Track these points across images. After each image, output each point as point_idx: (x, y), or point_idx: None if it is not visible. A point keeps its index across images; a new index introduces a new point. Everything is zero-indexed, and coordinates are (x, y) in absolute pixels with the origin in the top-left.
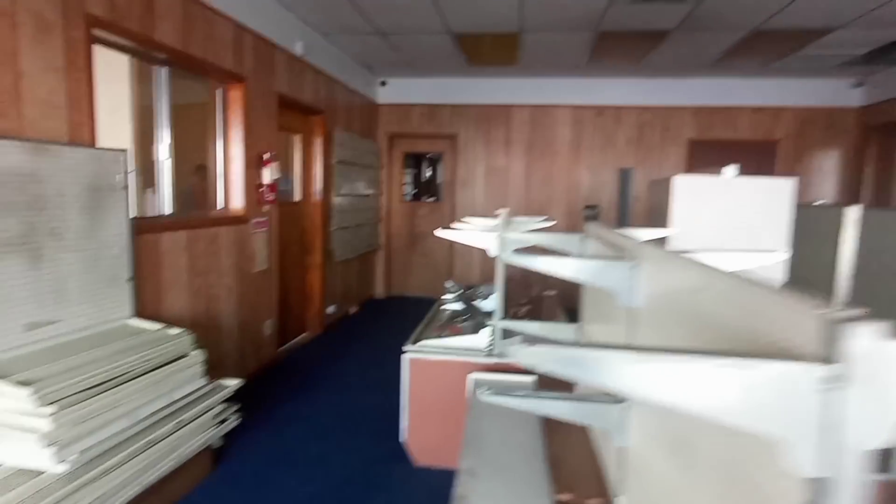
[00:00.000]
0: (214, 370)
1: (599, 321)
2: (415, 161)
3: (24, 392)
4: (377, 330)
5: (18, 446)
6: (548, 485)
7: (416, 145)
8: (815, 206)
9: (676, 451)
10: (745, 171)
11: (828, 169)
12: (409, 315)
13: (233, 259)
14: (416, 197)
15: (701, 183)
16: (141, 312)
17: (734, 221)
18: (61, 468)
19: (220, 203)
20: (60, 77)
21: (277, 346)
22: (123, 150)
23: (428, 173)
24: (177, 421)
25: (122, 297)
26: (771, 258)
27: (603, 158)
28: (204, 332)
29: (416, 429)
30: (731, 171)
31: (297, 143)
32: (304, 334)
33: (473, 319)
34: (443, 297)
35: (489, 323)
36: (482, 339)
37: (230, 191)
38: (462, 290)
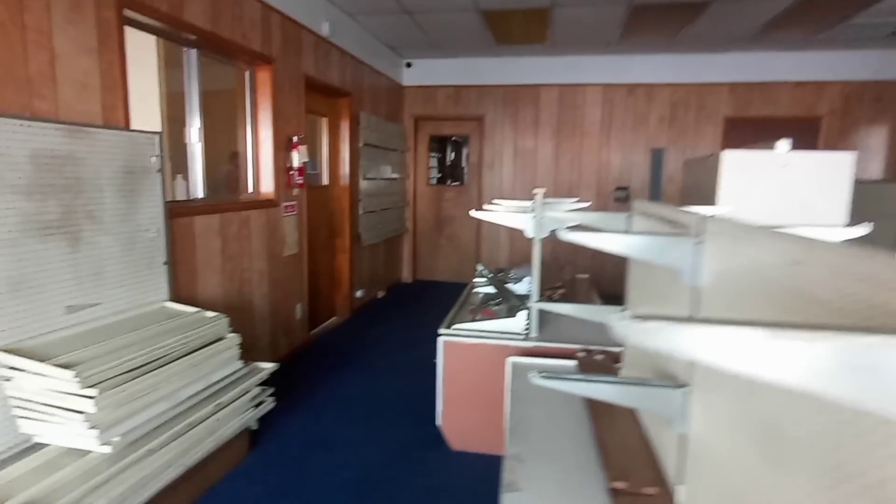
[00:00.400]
0: (247, 353)
1: (651, 301)
2: (439, 145)
3: (67, 374)
4: (405, 314)
5: (63, 427)
6: (599, 472)
7: (442, 128)
8: (876, 182)
9: (760, 439)
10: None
11: (875, 146)
12: (437, 300)
13: (263, 243)
14: (441, 181)
15: (752, 158)
16: (176, 296)
17: (788, 198)
18: (105, 449)
19: (250, 187)
20: (93, 58)
21: (308, 330)
22: (157, 133)
23: (452, 157)
24: (215, 403)
25: (159, 280)
26: (852, 232)
27: (634, 139)
28: (236, 315)
29: (451, 413)
30: (783, 145)
31: (323, 126)
32: (333, 318)
33: (507, 303)
34: (474, 280)
35: (525, 306)
36: (519, 322)
37: (260, 174)
38: (493, 274)
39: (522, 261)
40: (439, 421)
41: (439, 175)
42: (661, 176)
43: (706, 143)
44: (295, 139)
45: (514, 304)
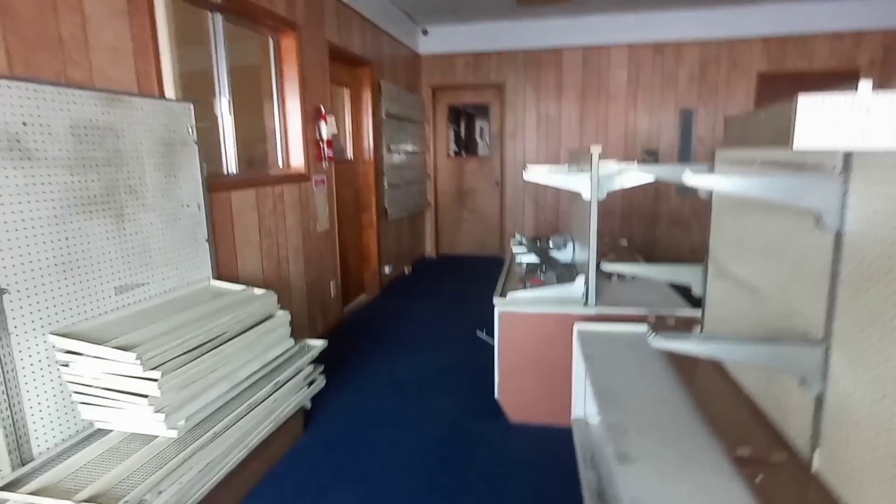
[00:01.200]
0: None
1: (751, 257)
2: (454, 117)
3: (129, 356)
4: (435, 290)
5: (127, 412)
6: (711, 438)
7: (461, 97)
8: None
9: None
10: None
11: None
12: (464, 274)
13: (297, 218)
14: (461, 153)
15: (831, 104)
16: (218, 274)
17: (871, 145)
18: (172, 433)
19: (279, 161)
20: (124, 22)
21: (342, 308)
22: (193, 101)
23: (471, 127)
24: (273, 383)
25: (202, 257)
26: None
27: (662, 100)
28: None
29: (509, 385)
30: (865, 86)
31: (345, 97)
32: (362, 295)
33: (552, 270)
34: (513, 249)
35: (579, 272)
36: (577, 288)
37: (289, 148)
38: (536, 242)
39: (549, 231)
40: (497, 394)
41: (456, 148)
42: (691, 137)
43: (738, 101)
44: (322, 109)
45: (560, 272)
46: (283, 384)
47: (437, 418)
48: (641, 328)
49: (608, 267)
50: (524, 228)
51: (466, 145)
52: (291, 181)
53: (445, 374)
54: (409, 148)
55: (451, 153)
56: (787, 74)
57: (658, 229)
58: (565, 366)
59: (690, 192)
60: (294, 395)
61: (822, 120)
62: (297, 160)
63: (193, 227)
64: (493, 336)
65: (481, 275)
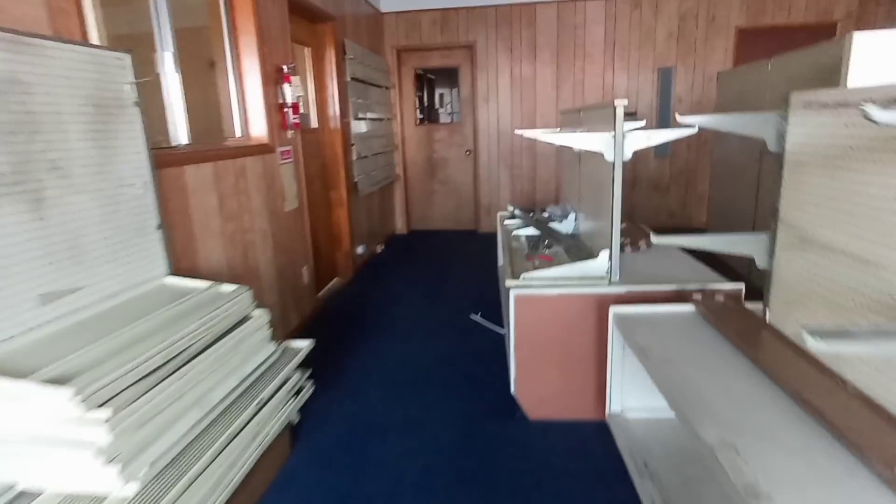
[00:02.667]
0: None
1: (864, 221)
2: (420, 82)
3: (64, 393)
4: (412, 269)
5: (67, 466)
6: (846, 454)
7: (428, 59)
8: None
9: None
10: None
11: None
12: (440, 250)
13: (262, 197)
14: (428, 119)
15: (886, 40)
16: (175, 268)
17: None
18: (130, 489)
19: (237, 130)
20: None
21: (315, 293)
22: (129, 52)
23: (440, 92)
24: (256, 402)
25: (153, 249)
26: None
27: (640, 58)
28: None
29: (527, 378)
30: None
31: (307, 58)
32: (335, 279)
33: (558, 244)
34: (506, 223)
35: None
36: (600, 264)
37: (248, 114)
38: (530, 214)
39: (526, 201)
40: (513, 388)
41: (421, 115)
42: (670, 97)
43: (717, 58)
44: (285, 69)
45: (568, 245)
46: (268, 400)
47: (445, 421)
48: (688, 308)
49: (660, 240)
50: (501, 200)
51: (430, 112)
52: (254, 153)
53: (445, 366)
54: (377, 115)
55: (418, 120)
56: (766, 29)
57: (636, 194)
58: (591, 352)
59: (669, 154)
60: (280, 410)
61: (875, 57)
62: (259, 129)
63: (140, 213)
64: (496, 322)
65: (458, 250)
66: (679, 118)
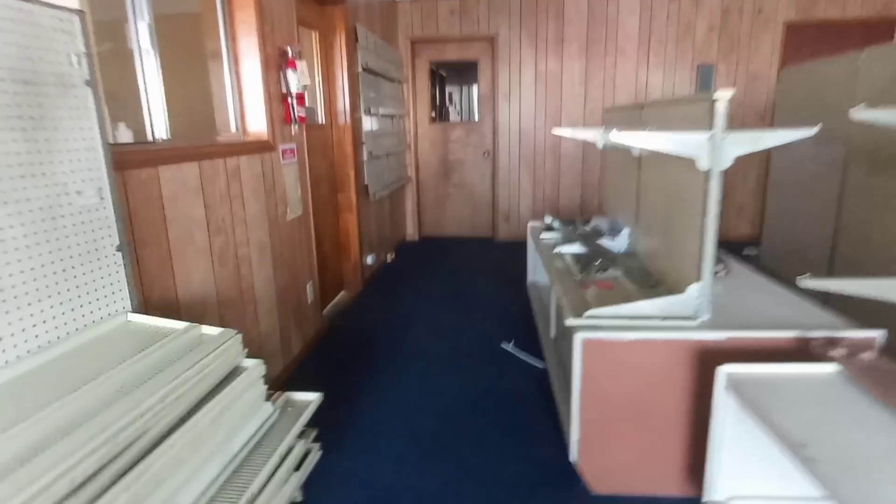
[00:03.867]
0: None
1: None
2: (442, 73)
3: None
4: (426, 281)
5: None
6: None
7: (445, 52)
8: None
9: None
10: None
11: None
12: (455, 260)
13: (261, 204)
14: (445, 117)
15: None
16: (143, 299)
17: None
18: None
19: (232, 124)
20: None
21: (321, 314)
22: (79, 11)
23: (457, 88)
24: (248, 495)
25: (111, 278)
26: None
27: (678, 54)
28: (235, 313)
29: (594, 443)
30: None
31: (314, 44)
32: (341, 293)
33: (613, 266)
34: (542, 237)
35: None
36: (689, 300)
37: (245, 105)
38: (568, 226)
39: (548, 209)
40: (574, 454)
41: (433, 114)
42: None
43: (762, 56)
44: (290, 53)
45: (628, 268)
46: (264, 486)
47: (485, 491)
48: (827, 369)
49: (809, 283)
50: (520, 205)
51: (444, 110)
52: (251, 151)
53: (477, 412)
54: (389, 111)
55: (432, 118)
56: (818, 24)
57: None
58: (679, 413)
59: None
60: (279, 491)
61: None
62: (258, 123)
63: (92, 229)
64: (531, 351)
65: (476, 260)
66: (857, 111)
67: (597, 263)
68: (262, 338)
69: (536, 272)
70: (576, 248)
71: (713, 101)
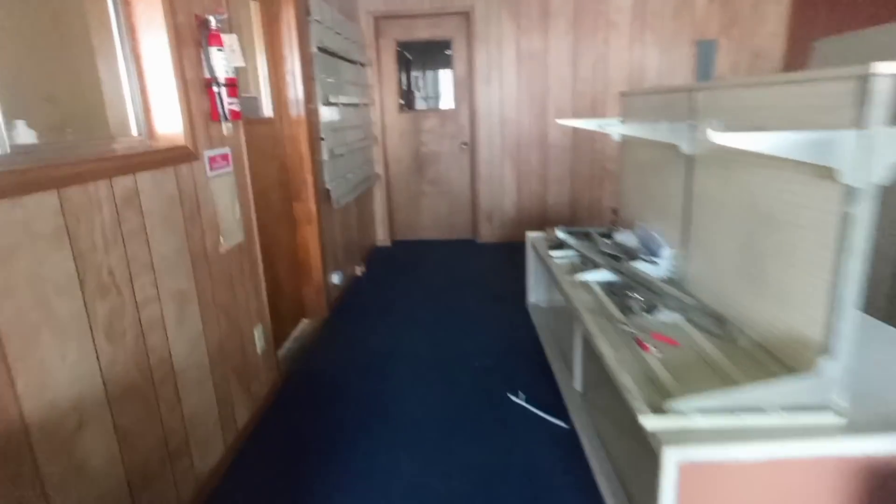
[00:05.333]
0: (163, 474)
1: None
2: (410, 54)
3: None
4: (404, 298)
5: None
6: None
7: (414, 29)
8: None
9: None
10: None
11: None
12: (434, 269)
13: (178, 237)
14: (411, 105)
15: None
16: None
17: None
18: None
19: (132, 125)
20: None
21: (276, 362)
22: None
23: (427, 71)
24: None
25: None
26: None
27: (676, 29)
28: (140, 402)
29: None
30: None
31: (253, 15)
32: (303, 323)
33: (663, 303)
34: (553, 256)
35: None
36: (820, 383)
37: (150, 97)
38: (587, 241)
39: (535, 205)
40: None
41: (407, 98)
42: (709, 77)
43: (768, 29)
44: (213, 23)
45: (682, 307)
46: None
47: None
48: None
49: None
50: (503, 202)
51: (410, 96)
52: (157, 164)
53: (490, 502)
54: (352, 99)
55: (402, 105)
56: None
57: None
58: None
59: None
60: None
61: None
62: (170, 122)
63: None
64: (544, 404)
65: (458, 269)
66: None
67: (639, 298)
68: (189, 425)
69: (539, 291)
70: (605, 275)
71: (867, 78)
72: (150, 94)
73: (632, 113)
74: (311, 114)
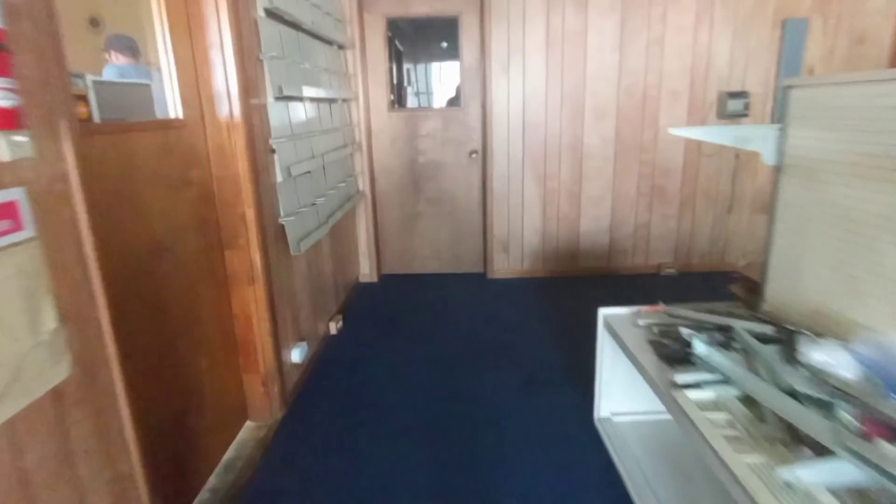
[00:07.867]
0: None
1: None
2: (407, 36)
3: None
4: (398, 379)
5: None
6: None
7: (409, 3)
8: None
9: None
10: None
11: None
12: (438, 321)
13: None
14: (403, 101)
15: None
16: None
17: None
18: None
19: None
20: None
21: None
22: None
23: (429, 57)
24: None
25: None
26: None
27: (755, 5)
28: None
29: None
30: None
31: None
32: (246, 427)
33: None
34: (677, 379)
35: None
36: None
37: None
38: (728, 345)
39: (566, 233)
40: None
41: (398, 94)
42: (800, 66)
43: (871, 6)
44: None
45: None
46: None
47: None
48: None
49: None
50: (523, 228)
51: (399, 91)
52: None
53: None
54: (324, 92)
55: (393, 102)
56: None
57: (735, 219)
58: None
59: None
60: None
61: None
62: None
63: None
64: None
65: (468, 321)
66: None
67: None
68: None
69: (612, 400)
70: (844, 471)
71: None
72: None
73: (809, 116)
74: (254, 113)
